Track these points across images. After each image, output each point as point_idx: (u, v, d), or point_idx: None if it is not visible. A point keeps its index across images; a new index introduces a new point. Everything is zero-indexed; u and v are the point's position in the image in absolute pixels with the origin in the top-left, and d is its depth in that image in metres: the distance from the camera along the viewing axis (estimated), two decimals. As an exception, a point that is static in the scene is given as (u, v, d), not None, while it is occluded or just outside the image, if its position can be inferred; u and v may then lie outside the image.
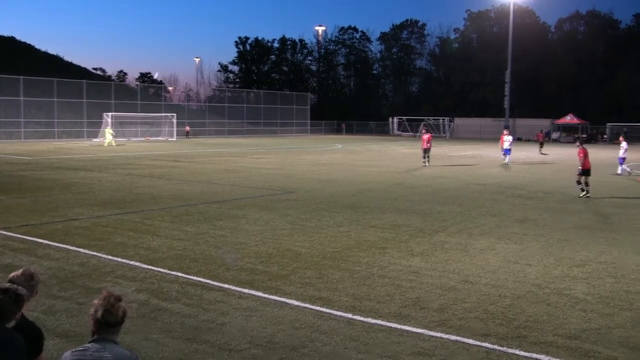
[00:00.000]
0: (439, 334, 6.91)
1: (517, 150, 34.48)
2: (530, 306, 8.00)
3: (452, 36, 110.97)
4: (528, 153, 42.59)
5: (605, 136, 69.50)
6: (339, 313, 7.60)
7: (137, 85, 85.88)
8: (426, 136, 30.80)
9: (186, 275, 9.20)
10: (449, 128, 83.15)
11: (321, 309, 7.76)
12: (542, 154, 43.21)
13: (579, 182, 19.36)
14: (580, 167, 19.37)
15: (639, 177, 24.23)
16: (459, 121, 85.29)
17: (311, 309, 7.77)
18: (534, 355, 6.38)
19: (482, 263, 10.28)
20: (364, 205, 16.87)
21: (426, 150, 30.38)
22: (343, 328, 7.10)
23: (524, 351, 6.47)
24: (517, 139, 35.16)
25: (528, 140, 66.49)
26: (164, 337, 6.73)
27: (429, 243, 11.86)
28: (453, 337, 6.81)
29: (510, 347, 6.56)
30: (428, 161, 30.16)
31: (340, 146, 52.19)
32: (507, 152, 31.78)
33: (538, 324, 7.30)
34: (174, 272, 9.36)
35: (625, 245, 11.92)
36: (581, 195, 18.89)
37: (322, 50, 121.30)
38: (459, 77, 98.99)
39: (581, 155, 19.51)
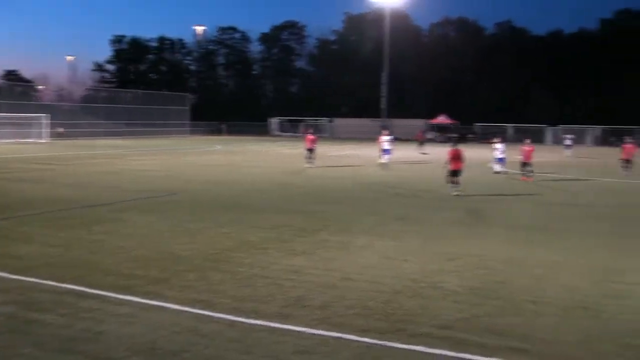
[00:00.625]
0: (320, 332, 7.01)
1: (397, 150, 35.60)
2: (408, 300, 8.30)
3: (331, 38, 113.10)
4: (408, 152, 44.01)
5: (474, 136, 73.43)
6: (221, 315, 7.51)
7: (2, 83, 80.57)
8: (311, 137, 31.16)
9: (59, 284, 8.74)
10: (328, 128, 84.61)
11: (202, 312, 7.64)
12: (423, 153, 44.60)
13: (450, 182, 19.97)
14: (448, 168, 20.02)
15: (526, 177, 25.34)
16: (338, 121, 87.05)
17: (192, 312, 7.63)
18: (412, 347, 6.61)
19: (362, 260, 10.55)
20: (247, 206, 16.83)
21: (311, 151, 30.73)
22: (224, 330, 7.03)
23: (402, 344, 6.70)
24: (396, 139, 36.32)
25: (407, 140, 69.01)
26: (36, 350, 6.35)
27: (311, 242, 12.00)
28: (334, 334, 6.93)
29: (390, 341, 6.76)
30: (312, 161, 30.49)
31: (220, 147, 51.71)
32: (386, 152, 32.65)
33: (415, 317, 7.58)
34: (46, 281, 8.86)
35: (495, 239, 12.66)
36: (454, 194, 19.63)
37: (202, 50, 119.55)
38: (338, 78, 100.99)
39: (450, 156, 19.98)
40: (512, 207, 17.63)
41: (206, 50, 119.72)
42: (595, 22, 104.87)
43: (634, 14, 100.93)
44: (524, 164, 25.96)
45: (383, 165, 31.05)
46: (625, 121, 73.36)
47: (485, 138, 58.94)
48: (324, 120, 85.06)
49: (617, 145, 66.69)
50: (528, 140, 27.13)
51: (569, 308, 8.06)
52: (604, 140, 72.02)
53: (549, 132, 73.30)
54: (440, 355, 6.44)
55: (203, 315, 7.53)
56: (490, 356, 6.39)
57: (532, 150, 26.13)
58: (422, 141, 49.31)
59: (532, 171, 25.72)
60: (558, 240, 12.58)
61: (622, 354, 6.57)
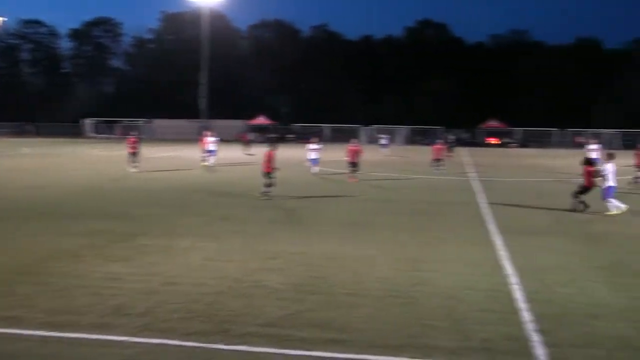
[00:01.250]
0: (143, 339, 6.84)
1: (222, 151, 35.23)
2: (232, 300, 8.36)
3: (148, 36, 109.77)
4: (233, 153, 43.81)
5: (294, 136, 75.24)
6: (31, 332, 7.03)
7: None
8: (133, 139, 29.88)
9: None
10: (147, 129, 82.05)
11: (8, 330, 7.09)
12: (248, 154, 44.43)
13: (266, 184, 19.46)
14: (263, 170, 19.65)
15: (353, 177, 25.70)
16: (157, 122, 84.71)
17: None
18: (236, 347, 6.69)
19: (185, 263, 10.43)
20: (62, 212, 15.87)
21: (134, 154, 29.33)
22: (37, 348, 6.61)
23: (227, 345, 6.75)
24: (221, 140, 35.81)
25: (231, 141, 68.92)
26: None
27: (131, 247, 11.62)
28: (157, 341, 6.80)
29: (214, 343, 6.79)
30: (135, 165, 29.12)
31: (29, 150, 47.99)
32: (211, 153, 32.09)
33: (239, 317, 7.67)
34: None
35: (316, 236, 13.14)
36: (261, 195, 19.13)
37: (1, 44, 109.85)
38: (156, 78, 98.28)
39: (266, 158, 19.59)
40: (332, 206, 18.36)
41: (7, 45, 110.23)
42: (401, 29, 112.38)
43: (434, 24, 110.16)
44: (351, 164, 26.21)
45: (208, 166, 30.71)
46: (430, 122, 79.60)
47: (304, 138, 60.64)
48: (141, 121, 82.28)
49: (424, 144, 72.32)
50: (355, 140, 27.81)
51: (382, 298, 8.62)
52: (412, 140, 77.38)
53: (363, 132, 77.23)
54: (264, 353, 6.59)
55: (9, 334, 6.99)
56: (311, 350, 6.67)
57: (358, 150, 26.52)
58: (247, 142, 49.53)
59: (356, 171, 26.10)
60: (374, 236, 13.34)
61: (427, 333, 7.20)
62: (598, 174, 17.29)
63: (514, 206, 18.50)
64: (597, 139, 41.95)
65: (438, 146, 32.06)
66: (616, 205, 16.70)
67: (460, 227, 14.53)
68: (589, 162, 17.93)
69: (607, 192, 16.92)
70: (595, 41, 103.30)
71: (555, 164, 41.59)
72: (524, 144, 74.67)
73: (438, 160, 31.53)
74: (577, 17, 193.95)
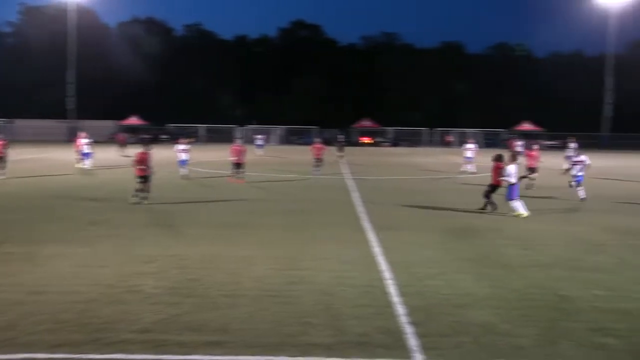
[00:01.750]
0: (6, 356, 6.43)
1: (97, 153, 33.43)
2: (105, 307, 8.05)
3: (6, 30, 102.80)
4: (107, 155, 41.93)
5: (168, 137, 73.52)
6: None
7: None
8: (1, 142, 27.41)
9: None
10: (8, 130, 76.90)
11: None
12: (124, 155, 42.50)
13: (137, 189, 18.55)
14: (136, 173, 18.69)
15: (237, 178, 25.15)
16: (19, 123, 79.67)
17: None
18: (110, 356, 6.46)
19: (53, 271, 9.91)
20: None
21: (1, 159, 26.65)
22: None
23: (100, 354, 6.50)
24: (95, 142, 33.96)
25: (103, 142, 66.08)
26: None
27: (-9, 257, 10.87)
28: (22, 356, 6.42)
29: (86, 353, 6.51)
30: (3, 172, 26.49)
31: None
32: (86, 155, 30.34)
33: (113, 324, 7.40)
34: None
35: (191, 238, 12.91)
36: (132, 202, 18.27)
37: None
38: (17, 75, 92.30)
39: (138, 159, 18.67)
40: (208, 208, 18.10)
41: None
42: (275, 29, 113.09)
43: (308, 25, 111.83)
44: (236, 165, 25.68)
45: (84, 169, 29.17)
46: (304, 122, 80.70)
47: (177, 138, 59.41)
48: (1, 122, 77.03)
49: (299, 144, 73.14)
50: (238, 141, 27.23)
51: (260, 297, 8.64)
52: (288, 140, 78.09)
53: (239, 131, 76.95)
54: (140, 359, 6.41)
55: None
56: (189, 354, 6.57)
57: (242, 150, 25.97)
58: (122, 143, 47.70)
59: (242, 172, 25.68)
60: (251, 236, 13.32)
61: (305, 331, 7.31)
62: (504, 173, 17.09)
63: (387, 204, 19.14)
64: (474, 138, 44.23)
65: (318, 146, 31.85)
66: (519, 207, 16.74)
67: (335, 226, 14.84)
68: (499, 158, 17.63)
69: (511, 193, 16.92)
70: (459, 45, 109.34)
71: (425, 161, 43.57)
72: (395, 143, 77.61)
73: (318, 160, 31.13)
74: (442, 21, 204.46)
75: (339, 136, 50.84)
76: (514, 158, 17.58)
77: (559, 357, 6.64)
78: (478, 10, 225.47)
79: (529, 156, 24.93)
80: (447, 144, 76.35)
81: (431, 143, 77.78)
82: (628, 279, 9.95)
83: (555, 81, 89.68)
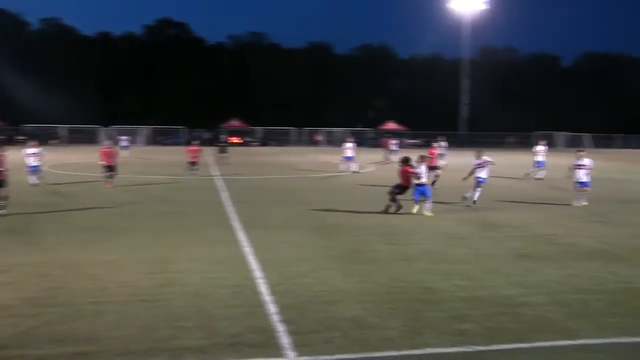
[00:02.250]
0: None
1: None
2: (-47, 323, 7.43)
3: None
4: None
5: (24, 137, 69.10)
6: None
7: None
8: None
9: None
10: None
11: None
12: None
13: None
14: None
15: (108, 182, 23.60)
16: None
17: None
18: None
19: None
20: None
21: None
22: None
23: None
24: None
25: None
26: None
27: None
28: None
29: None
30: None
31: None
32: None
33: (-37, 341, 6.85)
34: None
35: (51, 245, 12.22)
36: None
37: None
38: None
39: None
40: (73, 213, 17.16)
41: None
42: (140, 27, 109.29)
43: (174, 23, 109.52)
44: (107, 168, 24.04)
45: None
46: (171, 122, 78.98)
47: (38, 139, 55.98)
48: None
49: (167, 145, 71.48)
50: (107, 143, 25.81)
51: (128, 302, 8.35)
52: (154, 140, 76.00)
53: (103, 132, 73.84)
54: (-5, 376, 5.99)
55: None
56: (52, 365, 6.22)
57: (113, 153, 24.51)
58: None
59: (113, 175, 24.11)
60: (116, 240, 12.81)
61: (176, 334, 7.15)
62: (419, 175, 17.22)
63: (257, 203, 19.16)
64: (352, 137, 44.90)
65: (194, 147, 30.50)
66: (419, 206, 17.17)
67: (205, 226, 14.65)
68: (406, 161, 17.65)
69: (418, 193, 17.22)
70: (326, 46, 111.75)
71: (295, 161, 44.08)
72: (264, 143, 77.91)
73: (194, 162, 29.94)
74: (310, 22, 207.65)
75: (221, 137, 49.91)
76: (422, 159, 17.89)
77: (423, 345, 6.97)
78: (344, 12, 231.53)
79: (431, 155, 24.32)
80: (315, 143, 77.72)
81: (300, 142, 78.86)
82: (484, 269, 10.62)
83: (417, 82, 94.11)
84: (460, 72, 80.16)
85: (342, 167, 33.55)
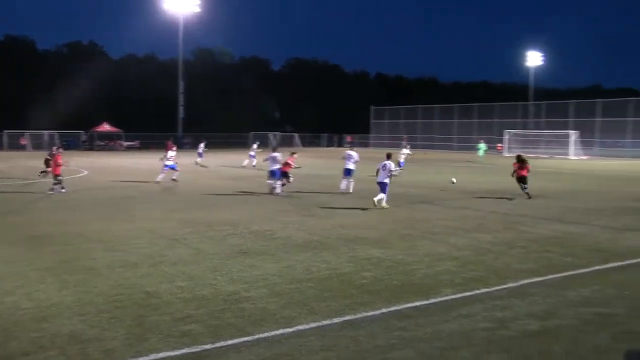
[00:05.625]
0: None
1: None
2: None
3: None
4: None
5: None
6: None
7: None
8: None
9: None
10: None
11: None
12: None
13: None
14: None
15: None
16: None
17: None
18: None
19: None
20: None
21: None
22: None
23: None
24: None
25: None
26: None
27: None
28: None
29: None
30: None
31: None
32: None
33: None
34: None
35: None
36: None
37: None
38: None
39: None
40: None
41: None
42: None
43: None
44: None
45: None
46: None
47: None
48: None
49: None
50: None
51: None
52: None
53: None
54: None
55: None
56: None
57: None
58: None
59: None
60: None
61: None
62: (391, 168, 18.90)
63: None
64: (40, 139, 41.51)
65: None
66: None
67: None
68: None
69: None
70: (29, 41, 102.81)
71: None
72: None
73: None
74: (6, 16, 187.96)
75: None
76: (389, 156, 19.28)
77: (148, 352, 6.77)
78: (50, 6, 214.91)
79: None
80: (22, 147, 70.59)
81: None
82: (205, 268, 10.74)
83: (132, 82, 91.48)
84: (178, 73, 79.39)
85: (170, 175, 27.74)
